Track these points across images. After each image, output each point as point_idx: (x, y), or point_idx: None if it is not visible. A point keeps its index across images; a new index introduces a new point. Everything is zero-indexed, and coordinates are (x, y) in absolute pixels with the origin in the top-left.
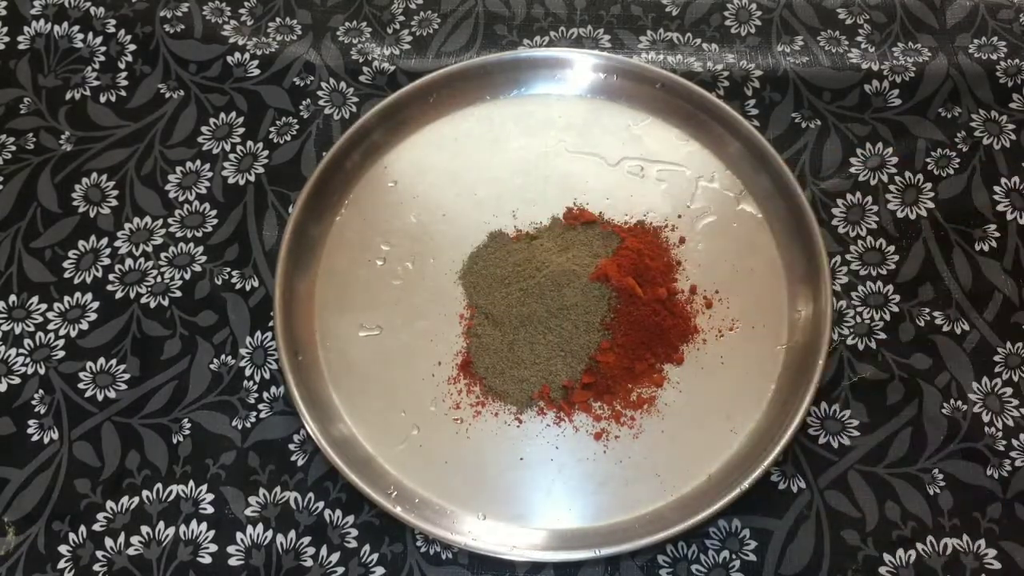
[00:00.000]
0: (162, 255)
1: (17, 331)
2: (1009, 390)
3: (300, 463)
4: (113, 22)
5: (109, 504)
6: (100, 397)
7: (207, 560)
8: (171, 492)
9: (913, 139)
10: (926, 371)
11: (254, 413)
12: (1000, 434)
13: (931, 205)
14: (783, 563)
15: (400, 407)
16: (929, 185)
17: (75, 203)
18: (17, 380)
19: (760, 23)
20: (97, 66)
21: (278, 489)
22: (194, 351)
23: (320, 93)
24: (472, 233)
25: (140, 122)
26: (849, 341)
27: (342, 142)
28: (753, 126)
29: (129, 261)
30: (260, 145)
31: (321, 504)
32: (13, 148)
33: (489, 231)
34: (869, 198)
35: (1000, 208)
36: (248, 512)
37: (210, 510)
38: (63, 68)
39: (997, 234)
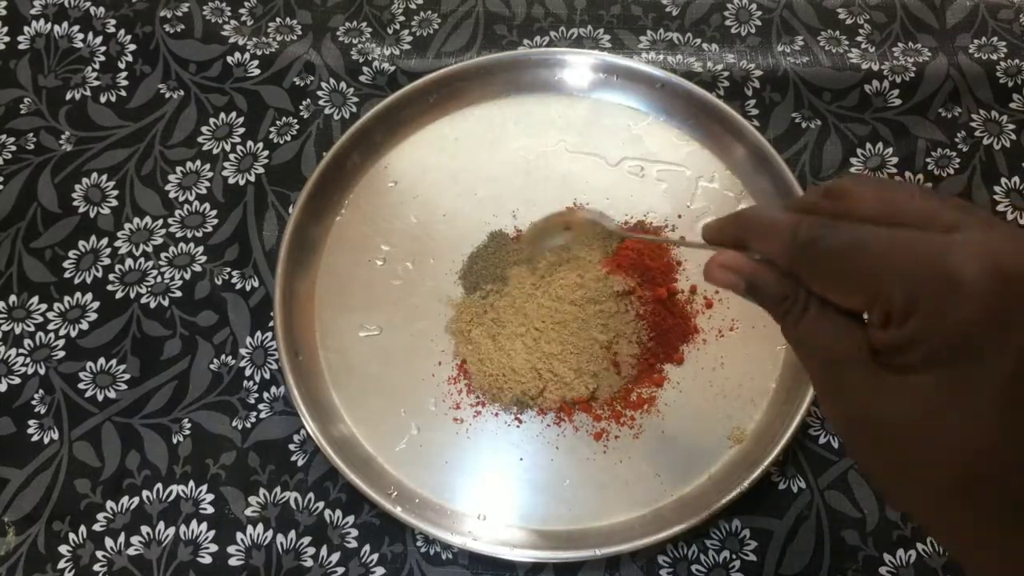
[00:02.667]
0: (162, 255)
1: (17, 331)
2: None
3: (300, 463)
4: (113, 22)
5: (109, 504)
6: (100, 397)
7: (207, 560)
8: (171, 492)
9: (913, 139)
10: None
11: (254, 413)
12: None
13: None
14: (783, 563)
15: (400, 407)
16: (930, 185)
17: (75, 203)
18: (17, 380)
19: (760, 23)
20: (97, 66)
21: (278, 489)
22: (194, 351)
23: (320, 93)
24: (472, 233)
25: (140, 122)
26: None
27: (342, 142)
28: (753, 126)
29: (129, 261)
30: (260, 145)
31: (321, 504)
32: (13, 148)
33: (489, 231)
34: None
35: (1000, 208)
36: (248, 512)
37: (210, 510)
38: (63, 68)
39: None
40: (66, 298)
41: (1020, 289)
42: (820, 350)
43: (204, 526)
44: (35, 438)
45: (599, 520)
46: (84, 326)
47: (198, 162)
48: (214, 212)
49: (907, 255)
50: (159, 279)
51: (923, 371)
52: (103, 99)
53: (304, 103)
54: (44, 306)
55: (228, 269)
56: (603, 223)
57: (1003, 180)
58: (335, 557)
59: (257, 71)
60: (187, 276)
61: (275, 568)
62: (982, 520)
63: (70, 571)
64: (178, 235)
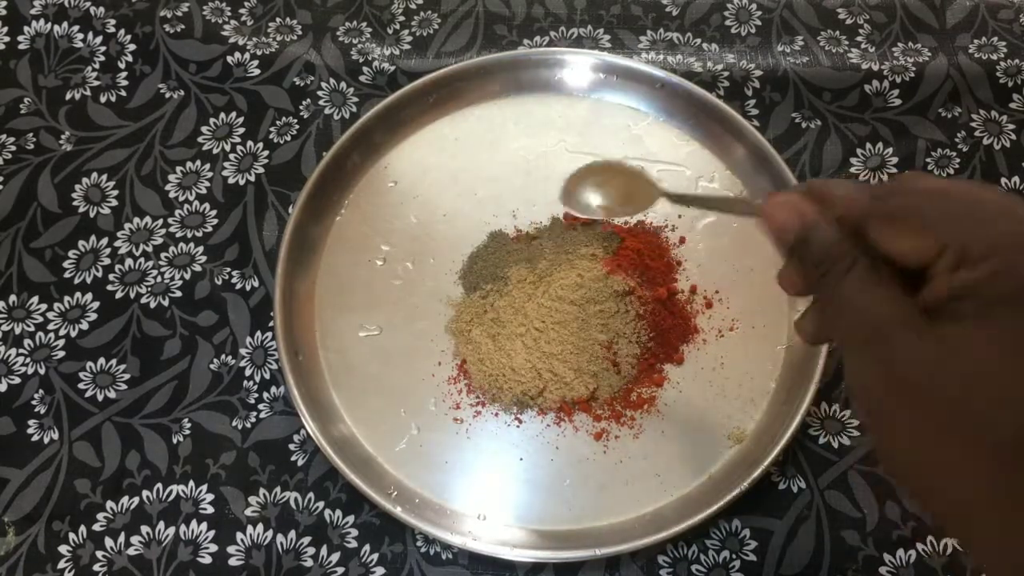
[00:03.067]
0: (162, 255)
1: (17, 331)
2: None
3: (300, 463)
4: (113, 22)
5: (109, 504)
6: (100, 397)
7: (207, 560)
8: (171, 492)
9: (913, 139)
10: None
11: (254, 413)
12: None
13: None
14: (783, 563)
15: (400, 407)
16: None
17: (75, 203)
18: (17, 380)
19: (760, 23)
20: (97, 66)
21: (278, 489)
22: (194, 351)
23: (320, 93)
24: (472, 233)
25: (140, 122)
26: None
27: (342, 142)
28: (753, 126)
29: (129, 261)
30: (260, 145)
31: (321, 504)
32: (13, 148)
33: (489, 231)
34: None
35: None
36: (248, 512)
37: (210, 510)
38: (63, 68)
39: None
40: (66, 298)
41: None
42: (862, 311)
43: (204, 526)
44: (35, 438)
45: (599, 520)
46: (84, 326)
47: (198, 162)
48: (214, 212)
49: (992, 206)
50: (159, 279)
51: (989, 316)
52: (103, 99)
53: (304, 103)
54: (44, 306)
55: (228, 269)
56: (646, 176)
57: (1003, 180)
58: (335, 557)
59: (257, 71)
60: (187, 276)
61: (275, 568)
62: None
63: (70, 571)
64: (178, 235)
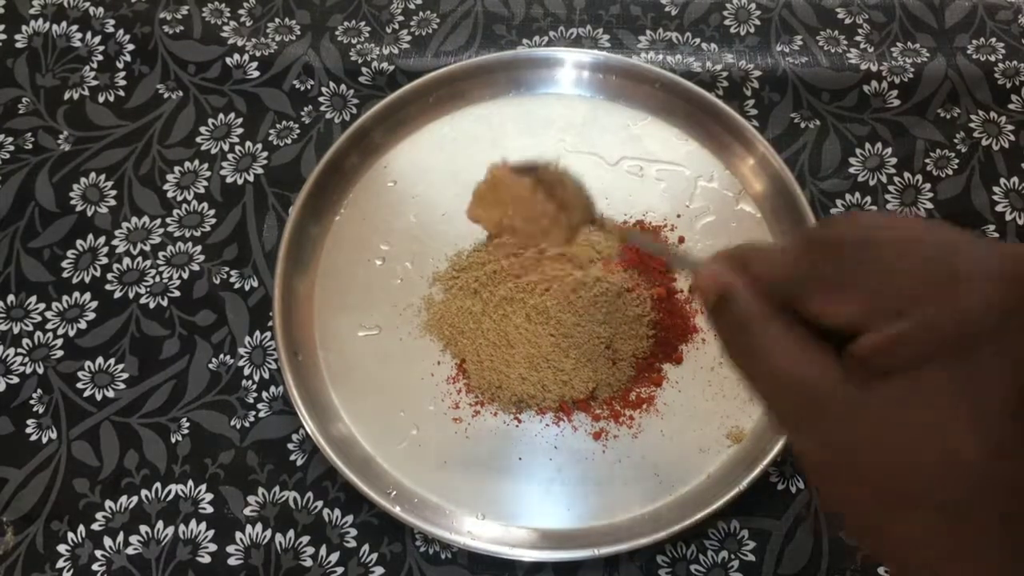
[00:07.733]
0: (160, 254)
1: (16, 331)
2: None
3: (299, 463)
4: (112, 22)
5: (108, 503)
6: (99, 396)
7: (206, 560)
8: (170, 491)
9: (912, 139)
10: None
11: (253, 413)
12: None
13: (930, 206)
14: (782, 563)
15: (400, 407)
16: (928, 186)
17: (73, 202)
18: (15, 380)
19: (759, 23)
20: (95, 66)
21: (277, 488)
22: (193, 351)
23: (321, 99)
24: (472, 233)
25: (138, 122)
26: None
27: (341, 142)
28: (752, 126)
29: (127, 260)
30: (259, 146)
31: (320, 504)
32: (11, 148)
33: None
34: (868, 198)
35: (999, 209)
36: (247, 511)
37: (209, 509)
38: (61, 67)
39: (996, 234)
40: (64, 297)
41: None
42: (786, 378)
43: (203, 525)
44: (33, 438)
45: (599, 520)
46: (82, 325)
47: (196, 162)
48: (212, 212)
49: (924, 250)
50: (157, 279)
51: (910, 373)
52: (101, 99)
53: (305, 109)
54: (42, 305)
55: (227, 268)
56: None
57: (1002, 181)
58: (334, 557)
59: (256, 72)
60: (185, 276)
61: (274, 567)
62: (981, 545)
63: (69, 571)
64: (176, 234)
